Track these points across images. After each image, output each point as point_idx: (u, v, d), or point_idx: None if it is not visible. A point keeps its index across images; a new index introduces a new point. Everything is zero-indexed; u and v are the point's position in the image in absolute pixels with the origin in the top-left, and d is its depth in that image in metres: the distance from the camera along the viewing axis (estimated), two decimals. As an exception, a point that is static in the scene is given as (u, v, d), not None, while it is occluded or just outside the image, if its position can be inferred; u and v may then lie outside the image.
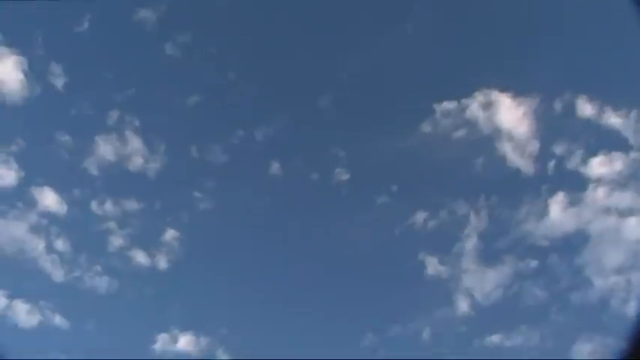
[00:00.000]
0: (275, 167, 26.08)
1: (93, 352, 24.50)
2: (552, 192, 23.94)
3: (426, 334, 23.26)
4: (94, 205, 25.34)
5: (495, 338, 22.49)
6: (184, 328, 24.48)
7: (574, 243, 23.15)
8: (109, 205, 25.54)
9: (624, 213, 22.62)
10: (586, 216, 22.99)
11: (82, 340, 24.97)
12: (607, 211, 22.83)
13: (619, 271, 22.00)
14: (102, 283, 25.21)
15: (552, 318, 23.10)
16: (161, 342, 24.49)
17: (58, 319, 24.42)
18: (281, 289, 25.91)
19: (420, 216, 24.62)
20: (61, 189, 25.22)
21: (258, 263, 26.01)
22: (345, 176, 25.93)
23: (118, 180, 26.44)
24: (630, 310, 21.69)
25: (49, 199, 24.99)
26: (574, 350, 21.86)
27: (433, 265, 23.88)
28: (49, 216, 25.26)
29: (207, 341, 24.50)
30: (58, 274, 24.48)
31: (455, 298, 23.35)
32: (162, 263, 25.19)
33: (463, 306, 22.99)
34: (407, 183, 25.61)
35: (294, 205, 26.42)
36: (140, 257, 25.30)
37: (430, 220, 24.62)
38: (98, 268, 25.16)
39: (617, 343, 21.94)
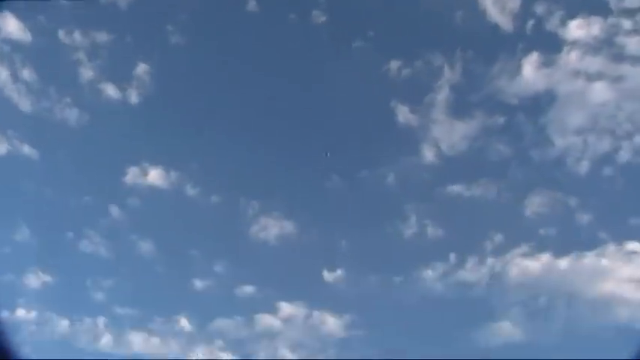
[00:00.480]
0: (252, 4, 25.21)
1: (63, 184, 25.09)
2: (527, 51, 23.90)
3: (391, 179, 24.19)
4: (61, 35, 24.50)
5: (457, 188, 23.56)
6: (154, 162, 24.63)
7: (541, 103, 23.63)
8: (77, 36, 24.71)
9: (593, 77, 22.92)
10: (556, 77, 23.25)
11: (52, 171, 25.28)
12: (577, 74, 23.09)
13: (579, 132, 22.79)
14: (72, 115, 24.93)
15: (511, 173, 24.15)
16: (131, 175, 24.63)
17: (27, 149, 24.29)
18: (253, 128, 26.14)
19: (395, 64, 24.55)
20: (24, 16, 24.15)
21: (230, 101, 25.95)
22: (323, 18, 25.31)
23: (87, 10, 25.36)
24: (583, 169, 22.77)
25: (11, 25, 23.98)
26: (527, 203, 23.17)
27: (403, 114, 24.24)
28: (12, 43, 24.40)
29: (177, 175, 24.88)
30: (25, 104, 24.11)
31: (422, 147, 24.03)
32: (134, 97, 24.92)
33: (429, 155, 23.74)
34: (384, 30, 25.17)
35: (270, 44, 25.88)
36: (111, 91, 24.92)
37: (404, 69, 24.60)
38: (68, 100, 24.86)
39: (566, 198, 23.34)
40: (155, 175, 24.04)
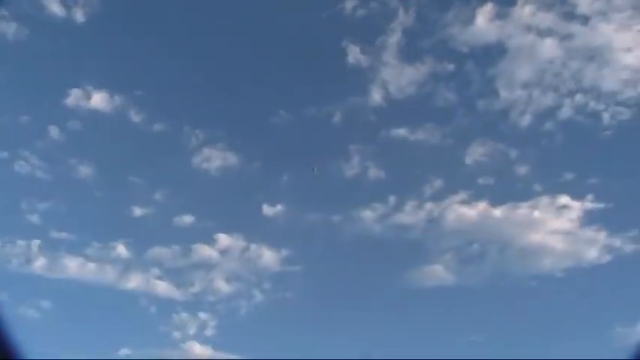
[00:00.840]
0: None
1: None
2: (482, 1, 23.88)
3: (337, 118, 24.16)
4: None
5: (401, 131, 23.76)
6: (98, 86, 24.02)
7: (492, 54, 23.85)
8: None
9: (543, 33, 23.14)
10: (508, 30, 23.39)
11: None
12: (528, 29, 23.29)
13: (525, 86, 23.14)
14: (10, 29, 24.02)
15: (456, 120, 24.49)
16: (74, 97, 23.99)
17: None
18: (202, 57, 25.59)
19: (350, 3, 24.21)
20: None
21: (180, 28, 25.27)
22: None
23: None
24: (526, 122, 23.26)
25: None
26: (469, 152, 23.64)
27: (354, 54, 24.08)
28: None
29: (121, 100, 24.29)
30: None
31: (370, 88, 24.02)
32: (79, 16, 23.94)
33: (377, 97, 23.78)
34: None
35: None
36: (55, 7, 23.95)
37: (359, 9, 24.32)
38: (5, 13, 23.78)
39: (507, 150, 23.91)
40: (98, 99, 23.41)
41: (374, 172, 23.23)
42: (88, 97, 23.36)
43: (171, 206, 23.27)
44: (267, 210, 22.98)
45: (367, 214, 22.78)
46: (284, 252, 22.62)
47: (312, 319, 23.24)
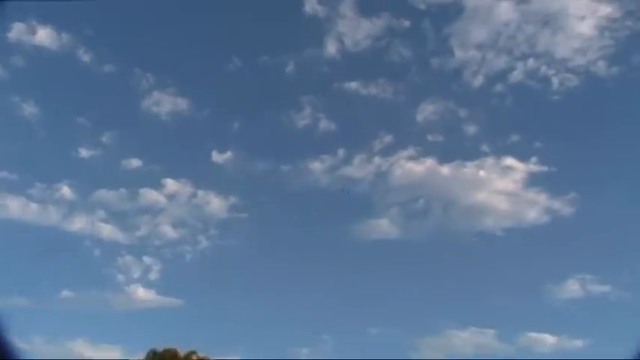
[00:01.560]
0: None
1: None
2: (443, -41, 23.96)
3: (290, 68, 23.92)
4: None
5: (354, 85, 23.73)
6: (44, 21, 22.96)
7: (449, 12, 23.89)
8: None
9: (501, -5, 23.32)
10: (466, -12, 23.51)
11: None
12: (486, -12, 23.44)
13: (479, 47, 23.32)
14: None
15: (409, 77, 24.63)
16: (16, 31, 23.07)
17: None
18: (155, 1, 25.12)
19: (310, -46, 23.94)
20: None
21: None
22: None
23: None
24: (478, 83, 23.51)
25: None
26: (420, 109, 23.86)
27: (311, 4, 23.74)
28: None
29: (69, 38, 23.50)
30: None
31: (326, 40, 23.82)
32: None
33: (331, 49, 23.61)
34: None
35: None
36: None
37: (319, -41, 24.05)
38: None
39: (457, 109, 24.19)
40: (44, 35, 22.66)
41: (325, 124, 23.27)
42: (33, 33, 22.58)
43: (119, 149, 22.96)
44: (216, 157, 22.88)
45: (316, 166, 22.92)
46: (232, 199, 22.66)
47: (256, 267, 23.49)
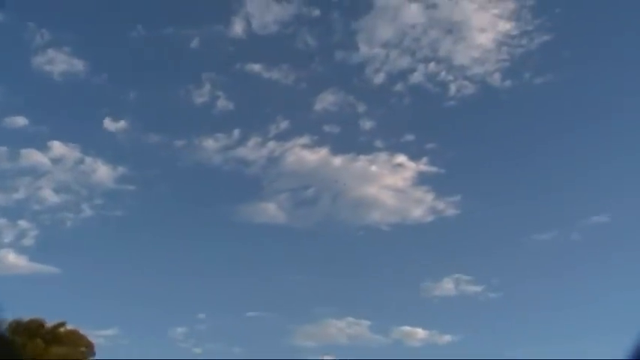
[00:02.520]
0: None
1: None
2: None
3: (195, 43, 23.38)
4: None
5: (257, 67, 23.58)
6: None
7: (359, 7, 24.33)
8: None
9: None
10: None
11: None
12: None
13: (384, 45, 23.75)
14: None
15: (313, 66, 24.83)
16: None
17: None
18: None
19: None
20: None
21: None
22: None
23: None
24: (379, 80, 23.97)
25: None
26: (319, 98, 24.07)
27: (222, -19, 23.55)
28: None
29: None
30: None
31: (233, 19, 23.56)
32: None
33: (238, 29, 23.35)
34: None
35: None
36: None
37: None
38: None
39: (356, 103, 24.56)
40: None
41: (223, 103, 23.04)
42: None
43: (4, 106, 22.04)
44: (108, 124, 22.23)
45: (210, 144, 22.68)
46: (120, 170, 22.16)
47: (140, 242, 23.04)
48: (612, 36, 24.74)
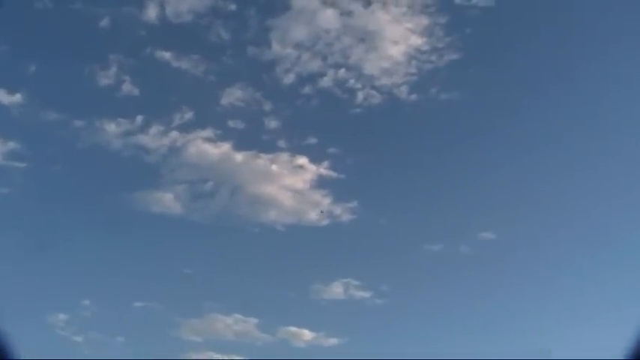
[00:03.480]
0: None
1: None
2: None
3: (104, 23, 22.71)
4: None
5: (167, 55, 23.19)
6: None
7: (275, 6, 24.38)
8: None
9: (328, 3, 24.08)
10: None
11: None
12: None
13: (297, 46, 23.95)
14: None
15: (224, 59, 24.66)
16: None
17: None
18: None
19: None
20: None
21: None
22: None
23: None
24: (289, 80, 24.17)
25: None
26: (227, 92, 23.95)
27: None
28: None
29: None
30: None
31: (148, 3, 23.12)
32: None
33: (152, 14, 22.88)
34: None
35: None
36: None
37: None
38: None
39: (263, 101, 24.61)
40: None
41: (128, 88, 22.50)
42: None
43: None
44: (3, 96, 21.37)
45: (111, 127, 22.11)
46: (11, 145, 21.41)
47: (26, 220, 22.16)
48: (517, 59, 26.27)
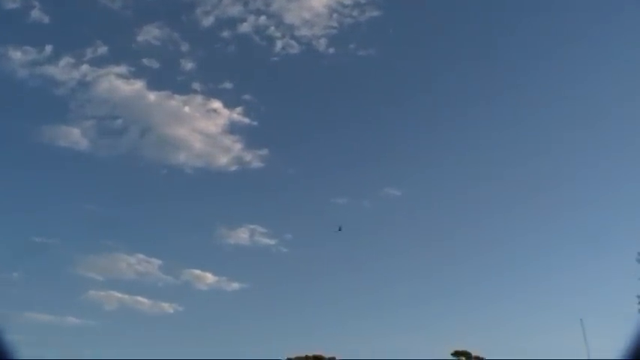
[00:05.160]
0: None
1: None
2: None
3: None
4: None
5: None
6: None
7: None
8: None
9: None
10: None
11: None
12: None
13: None
14: None
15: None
16: None
17: None
18: None
19: None
20: None
21: None
22: None
23: None
24: (208, 22, 23.67)
25: None
26: (144, 30, 23.29)
27: None
28: None
29: None
30: None
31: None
32: None
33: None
34: None
35: None
36: None
37: None
38: None
39: (181, 41, 23.99)
40: None
41: (38, 15, 21.59)
42: None
43: None
44: None
45: (17, 55, 21.20)
46: None
47: None
48: (437, 21, 26.95)
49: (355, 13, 22.48)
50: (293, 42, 22.46)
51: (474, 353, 63.85)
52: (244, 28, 21.76)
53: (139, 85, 21.42)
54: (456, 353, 63.30)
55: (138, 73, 21.20)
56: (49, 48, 18.77)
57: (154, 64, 21.24)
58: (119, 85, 21.61)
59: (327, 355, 67.00)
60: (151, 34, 21.37)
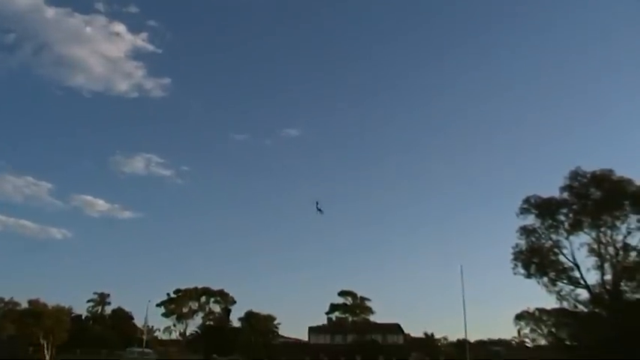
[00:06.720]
0: None
1: None
2: None
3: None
4: None
5: None
6: None
7: None
8: None
9: None
10: None
11: None
12: None
13: None
14: None
15: None
16: None
17: None
18: None
19: None
20: None
21: None
22: None
23: None
24: None
25: None
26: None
27: None
28: None
29: None
30: None
31: None
32: None
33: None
34: None
35: None
36: None
37: None
38: None
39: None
40: None
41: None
42: None
43: None
44: None
45: None
46: None
47: None
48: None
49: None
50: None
51: (359, 293, 67.53)
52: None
53: (37, -1, 21.27)
54: (342, 293, 67.38)
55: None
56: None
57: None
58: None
59: (215, 288, 68.38)
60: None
